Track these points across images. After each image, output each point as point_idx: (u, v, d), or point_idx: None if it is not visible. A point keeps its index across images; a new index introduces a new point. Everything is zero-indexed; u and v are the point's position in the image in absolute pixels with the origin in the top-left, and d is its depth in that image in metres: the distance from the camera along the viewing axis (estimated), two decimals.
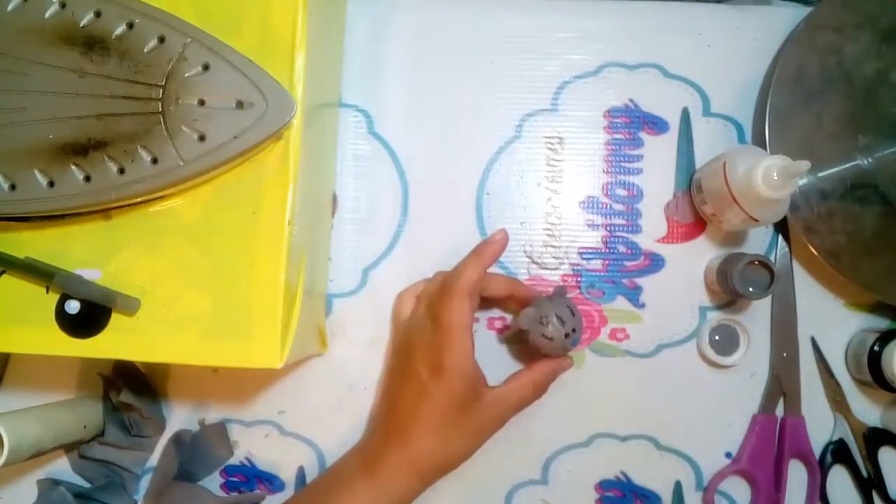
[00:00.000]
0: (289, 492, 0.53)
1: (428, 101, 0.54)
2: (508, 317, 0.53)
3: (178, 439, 0.52)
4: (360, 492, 0.44)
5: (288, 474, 0.53)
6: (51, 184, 0.40)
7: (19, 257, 0.42)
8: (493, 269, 0.51)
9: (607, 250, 0.53)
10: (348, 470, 0.47)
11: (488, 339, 0.53)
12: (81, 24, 0.40)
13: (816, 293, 0.52)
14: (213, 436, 0.52)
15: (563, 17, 0.54)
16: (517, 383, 0.47)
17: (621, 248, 0.53)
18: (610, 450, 0.52)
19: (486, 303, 0.51)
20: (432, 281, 0.49)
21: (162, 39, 0.40)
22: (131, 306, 0.41)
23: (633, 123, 0.53)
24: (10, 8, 0.41)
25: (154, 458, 0.53)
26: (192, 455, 0.52)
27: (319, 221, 0.51)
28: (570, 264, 0.53)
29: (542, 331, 0.45)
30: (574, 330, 0.46)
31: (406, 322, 0.49)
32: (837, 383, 0.52)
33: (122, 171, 0.40)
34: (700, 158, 0.53)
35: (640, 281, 0.53)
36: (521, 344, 0.52)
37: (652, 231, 0.53)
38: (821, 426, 0.52)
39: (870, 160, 0.50)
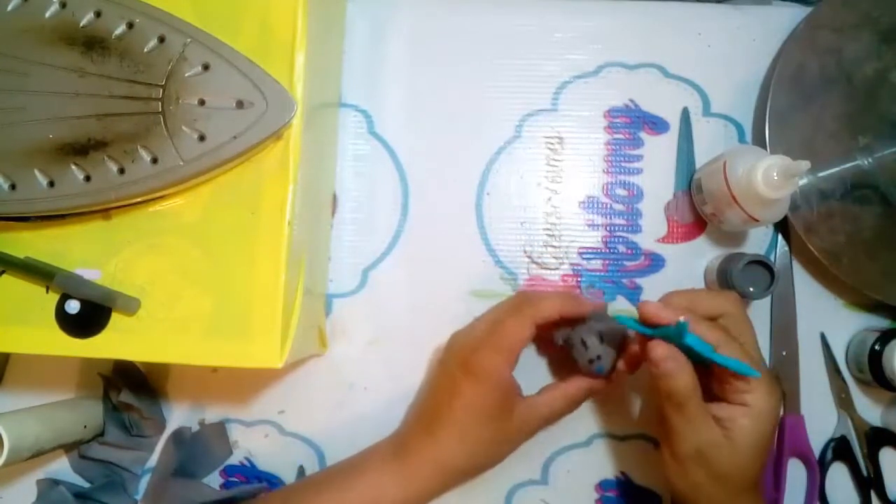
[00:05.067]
0: None
1: (428, 101, 0.54)
2: None
3: (178, 436, 0.52)
4: (386, 476, 0.45)
5: (288, 474, 0.53)
6: (51, 184, 0.40)
7: (19, 257, 0.42)
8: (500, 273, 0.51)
9: (607, 250, 0.53)
10: (379, 454, 0.47)
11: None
12: (81, 24, 0.40)
13: (816, 293, 0.52)
14: (212, 435, 0.52)
15: (563, 17, 0.54)
16: (549, 395, 0.46)
17: (621, 248, 0.53)
18: (610, 450, 0.52)
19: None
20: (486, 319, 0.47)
21: (162, 39, 0.40)
22: (131, 306, 0.41)
23: (633, 123, 0.53)
24: (10, 8, 0.41)
25: (154, 459, 0.53)
26: (191, 454, 0.52)
27: (319, 221, 0.51)
28: (570, 264, 0.53)
29: (570, 352, 0.45)
30: (599, 357, 0.44)
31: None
32: (843, 380, 0.52)
33: (122, 171, 0.40)
34: (700, 158, 0.53)
35: (641, 281, 0.53)
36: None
37: (652, 231, 0.53)
38: (820, 425, 0.52)
39: (870, 160, 0.50)
